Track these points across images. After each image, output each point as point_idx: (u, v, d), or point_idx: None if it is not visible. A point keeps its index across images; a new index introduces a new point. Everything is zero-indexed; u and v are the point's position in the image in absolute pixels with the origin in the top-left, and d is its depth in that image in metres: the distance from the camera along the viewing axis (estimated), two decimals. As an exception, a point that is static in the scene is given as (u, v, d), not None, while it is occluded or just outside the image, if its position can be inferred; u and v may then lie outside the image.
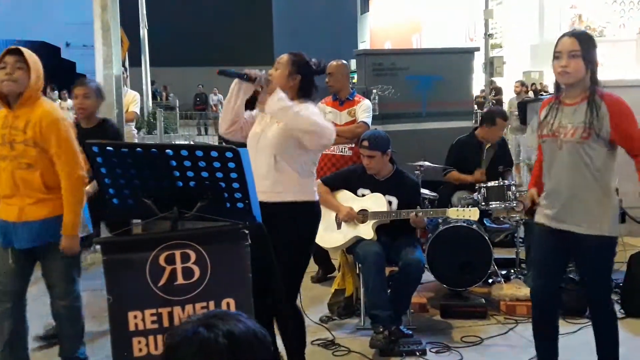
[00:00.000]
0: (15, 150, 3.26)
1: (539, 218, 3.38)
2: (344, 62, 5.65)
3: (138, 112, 7.93)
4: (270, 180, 3.22)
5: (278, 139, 3.24)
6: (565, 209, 3.22)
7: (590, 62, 3.06)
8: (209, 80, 26.27)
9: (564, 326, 4.49)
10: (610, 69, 10.90)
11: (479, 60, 8.52)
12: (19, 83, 3.25)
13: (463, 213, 4.26)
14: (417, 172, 5.23)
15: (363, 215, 4.42)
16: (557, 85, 3.24)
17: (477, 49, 8.49)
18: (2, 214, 3.36)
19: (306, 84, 3.35)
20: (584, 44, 3.04)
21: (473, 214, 4.22)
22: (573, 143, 3.12)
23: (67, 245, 3.35)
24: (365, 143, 4.42)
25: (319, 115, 3.33)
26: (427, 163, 5.31)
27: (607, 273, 3.36)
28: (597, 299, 3.41)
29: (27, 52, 3.27)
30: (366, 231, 4.38)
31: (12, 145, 3.26)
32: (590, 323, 4.51)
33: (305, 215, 3.33)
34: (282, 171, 3.24)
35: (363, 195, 4.51)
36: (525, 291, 4.75)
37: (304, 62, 3.36)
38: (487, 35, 13.65)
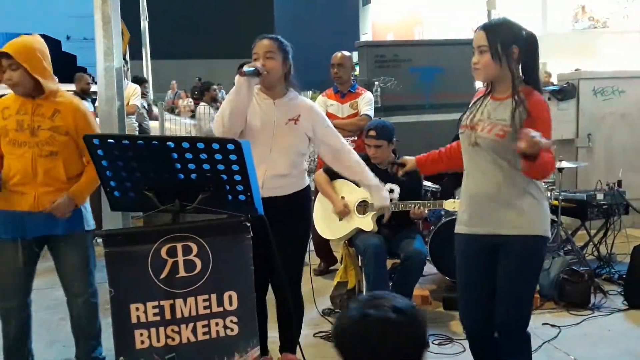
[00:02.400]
0: (38, 137, 3.21)
1: (458, 227, 2.99)
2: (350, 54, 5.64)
3: (139, 105, 7.94)
4: (289, 176, 3.31)
5: (297, 139, 3.31)
6: (485, 210, 2.84)
7: (505, 56, 2.70)
8: (210, 73, 26.21)
9: (567, 318, 4.50)
10: (615, 60, 10.84)
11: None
12: (22, 83, 3.20)
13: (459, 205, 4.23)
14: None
15: (363, 207, 4.41)
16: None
17: (480, 40, 8.46)
18: (13, 203, 3.26)
19: (290, 69, 3.34)
20: (491, 37, 2.70)
21: None
22: (488, 140, 2.76)
23: (63, 204, 3.24)
24: (372, 132, 4.41)
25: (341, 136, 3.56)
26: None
27: (526, 284, 2.86)
28: (511, 322, 2.87)
29: (15, 50, 3.16)
30: (366, 223, 4.37)
31: (35, 132, 3.21)
32: (593, 314, 4.54)
33: (307, 199, 3.50)
34: (297, 166, 3.37)
35: (364, 185, 4.50)
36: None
37: (287, 45, 3.31)
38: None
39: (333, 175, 4.60)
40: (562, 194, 5.39)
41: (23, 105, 3.25)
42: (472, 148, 2.85)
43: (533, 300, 2.98)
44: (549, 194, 5.22)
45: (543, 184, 2.94)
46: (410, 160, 3.35)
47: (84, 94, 7.44)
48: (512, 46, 2.72)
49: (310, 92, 14.28)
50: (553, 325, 4.33)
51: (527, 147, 2.41)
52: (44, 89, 3.24)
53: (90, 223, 3.47)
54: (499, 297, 2.86)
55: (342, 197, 4.52)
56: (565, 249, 5.59)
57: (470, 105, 2.97)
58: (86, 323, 3.48)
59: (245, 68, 3.10)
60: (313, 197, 4.37)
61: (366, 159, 4.55)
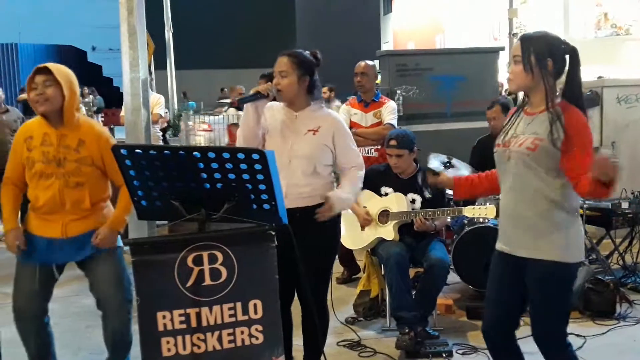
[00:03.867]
0: (65, 169, 3.23)
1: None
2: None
3: (162, 114, 8.02)
4: (310, 187, 3.29)
5: (316, 149, 3.31)
6: (512, 228, 2.82)
7: (538, 68, 2.66)
8: (234, 82, 26.33)
9: (592, 327, 4.45)
10: (638, 67, 10.73)
11: (504, 59, 8.45)
12: (52, 101, 3.19)
13: (479, 211, 4.22)
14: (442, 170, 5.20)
15: (385, 216, 4.42)
16: (524, 94, 2.86)
17: (502, 49, 8.42)
18: (41, 230, 3.31)
19: (314, 82, 3.36)
20: (525, 47, 2.68)
21: (489, 211, 4.15)
22: (519, 154, 2.71)
23: (106, 236, 3.30)
24: (393, 142, 4.42)
25: (359, 154, 3.48)
26: (454, 161, 5.28)
27: (554, 307, 2.78)
28: (542, 340, 2.85)
29: (55, 68, 3.21)
30: (388, 232, 4.38)
31: (62, 163, 3.23)
32: (619, 324, 4.50)
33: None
34: (319, 177, 3.34)
35: (386, 194, 4.51)
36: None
37: (308, 61, 3.32)
38: (512, 35, 13.55)
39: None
40: (587, 202, 5.35)
41: (47, 136, 3.25)
42: (505, 165, 2.81)
43: (565, 319, 2.85)
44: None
45: (578, 206, 2.84)
46: (446, 175, 3.21)
47: None
48: (547, 59, 2.67)
49: (338, 101, 14.31)
50: (578, 335, 4.29)
51: (604, 173, 2.38)
52: (64, 116, 3.24)
53: (118, 239, 3.49)
54: (530, 317, 2.86)
55: (364, 207, 4.54)
56: (590, 258, 5.54)
57: (504, 124, 2.91)
58: (120, 338, 3.48)
59: (243, 97, 3.28)
60: None
61: (386, 168, 4.57)
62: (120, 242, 3.47)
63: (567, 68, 2.72)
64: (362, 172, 3.44)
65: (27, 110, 24.63)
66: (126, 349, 3.55)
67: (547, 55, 2.68)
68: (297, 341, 3.55)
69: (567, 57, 2.71)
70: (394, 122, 5.40)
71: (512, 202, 2.79)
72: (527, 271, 2.77)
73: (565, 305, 2.82)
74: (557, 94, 2.73)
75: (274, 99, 3.29)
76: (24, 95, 22.94)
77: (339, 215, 3.43)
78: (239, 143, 3.31)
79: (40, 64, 3.23)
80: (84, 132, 3.29)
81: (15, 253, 3.30)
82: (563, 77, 2.74)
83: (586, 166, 2.54)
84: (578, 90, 2.74)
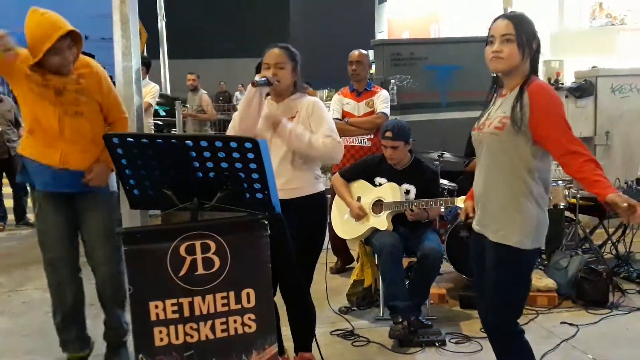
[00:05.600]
0: (64, 97, 3.31)
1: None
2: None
3: (153, 104, 8.04)
4: (285, 178, 3.24)
5: None
6: (480, 209, 2.81)
7: (528, 48, 2.65)
8: (227, 72, 26.24)
9: (585, 317, 4.47)
10: (633, 57, 10.74)
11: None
12: (73, 62, 3.32)
13: None
14: (436, 162, 5.21)
15: (379, 206, 4.42)
16: (495, 77, 2.85)
17: (497, 38, 8.41)
18: (41, 156, 3.35)
19: (298, 74, 3.38)
20: (519, 27, 2.65)
21: None
22: (489, 135, 2.70)
23: (99, 172, 3.37)
24: (389, 134, 4.41)
25: (333, 129, 3.30)
26: (447, 154, 5.29)
27: (505, 292, 2.73)
28: (491, 321, 2.83)
29: (71, 28, 3.24)
30: (381, 222, 4.38)
31: (61, 92, 3.30)
32: (611, 313, 4.52)
33: (318, 207, 3.41)
34: (299, 168, 3.29)
35: (380, 185, 4.51)
36: (546, 282, 4.73)
37: (296, 53, 3.37)
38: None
39: (349, 178, 4.62)
40: (580, 192, 5.36)
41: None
42: (479, 148, 2.81)
43: (514, 310, 2.80)
44: (566, 192, 5.19)
45: (552, 185, 2.86)
46: (466, 206, 3.06)
47: None
48: (533, 40, 2.69)
49: (326, 90, 14.26)
50: (571, 324, 4.32)
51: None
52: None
53: (113, 185, 3.54)
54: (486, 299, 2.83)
55: (359, 197, 4.54)
56: (584, 247, 5.56)
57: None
58: (111, 291, 3.54)
59: (257, 78, 3.19)
60: (330, 199, 4.37)
61: (381, 159, 4.56)
62: (114, 187, 3.50)
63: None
64: (331, 143, 3.23)
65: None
66: (120, 305, 3.58)
67: (533, 37, 2.69)
68: (287, 331, 3.55)
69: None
70: (387, 110, 5.39)
71: (483, 182, 2.78)
72: (487, 252, 2.75)
73: (517, 290, 2.76)
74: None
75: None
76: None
77: (326, 210, 3.41)
78: (235, 125, 3.25)
79: (59, 32, 3.19)
80: (83, 66, 3.39)
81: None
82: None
83: (566, 144, 2.53)
84: (536, 72, 2.74)
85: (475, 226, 2.87)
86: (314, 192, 3.35)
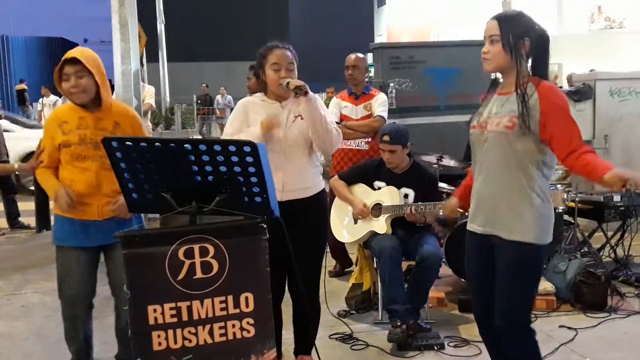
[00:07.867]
0: (102, 151, 3.14)
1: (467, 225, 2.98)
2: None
3: (153, 104, 8.08)
4: (307, 176, 3.37)
5: (307, 131, 3.31)
6: (487, 209, 2.82)
7: (514, 48, 2.64)
8: (226, 75, 26.25)
9: (583, 320, 4.47)
10: (631, 60, 10.76)
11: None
12: (88, 92, 3.21)
13: None
14: (435, 165, 5.21)
15: (378, 210, 4.42)
16: (494, 80, 2.90)
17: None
18: (78, 213, 3.30)
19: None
20: (504, 27, 2.65)
21: None
22: (497, 134, 2.71)
23: (123, 204, 3.26)
24: (387, 138, 4.40)
25: (333, 123, 3.41)
26: (446, 158, 5.29)
27: (523, 287, 2.78)
28: (506, 319, 2.82)
29: (84, 57, 3.20)
30: (380, 225, 4.38)
31: (99, 146, 3.16)
32: (610, 317, 4.51)
33: (323, 202, 3.54)
34: (313, 165, 3.42)
35: (379, 188, 4.50)
36: (544, 285, 4.73)
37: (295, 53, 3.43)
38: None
39: (348, 180, 4.62)
40: (579, 195, 5.36)
41: (83, 120, 3.27)
42: (481, 146, 2.81)
43: (529, 304, 2.89)
44: (565, 196, 5.19)
45: (551, 188, 2.89)
46: (451, 204, 3.16)
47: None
48: (524, 38, 2.68)
49: (325, 94, 14.28)
50: (569, 328, 4.31)
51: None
52: (102, 100, 3.26)
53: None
54: (496, 300, 2.84)
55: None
56: (582, 251, 5.55)
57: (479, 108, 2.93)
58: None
59: (294, 89, 3.17)
60: (328, 200, 4.38)
61: (379, 162, 4.56)
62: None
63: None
64: (335, 131, 3.33)
65: (22, 100, 24.41)
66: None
67: (524, 36, 2.68)
68: (288, 335, 3.55)
69: (540, 38, 2.71)
70: (385, 114, 5.39)
71: (491, 183, 2.79)
72: (499, 251, 2.77)
73: (532, 287, 2.82)
74: (527, 74, 2.72)
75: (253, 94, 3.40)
76: (23, 85, 22.80)
77: (326, 209, 3.50)
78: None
79: (67, 55, 3.20)
80: (118, 115, 3.34)
81: (67, 209, 3.25)
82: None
83: (570, 143, 2.59)
84: (546, 71, 2.75)
85: (477, 227, 2.88)
86: (319, 190, 3.46)
